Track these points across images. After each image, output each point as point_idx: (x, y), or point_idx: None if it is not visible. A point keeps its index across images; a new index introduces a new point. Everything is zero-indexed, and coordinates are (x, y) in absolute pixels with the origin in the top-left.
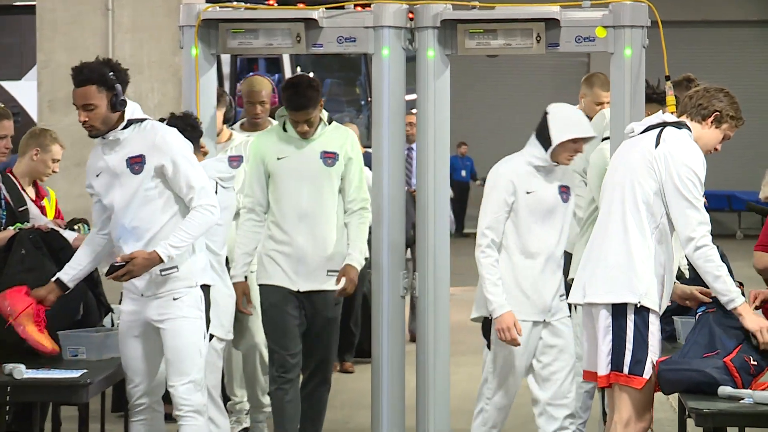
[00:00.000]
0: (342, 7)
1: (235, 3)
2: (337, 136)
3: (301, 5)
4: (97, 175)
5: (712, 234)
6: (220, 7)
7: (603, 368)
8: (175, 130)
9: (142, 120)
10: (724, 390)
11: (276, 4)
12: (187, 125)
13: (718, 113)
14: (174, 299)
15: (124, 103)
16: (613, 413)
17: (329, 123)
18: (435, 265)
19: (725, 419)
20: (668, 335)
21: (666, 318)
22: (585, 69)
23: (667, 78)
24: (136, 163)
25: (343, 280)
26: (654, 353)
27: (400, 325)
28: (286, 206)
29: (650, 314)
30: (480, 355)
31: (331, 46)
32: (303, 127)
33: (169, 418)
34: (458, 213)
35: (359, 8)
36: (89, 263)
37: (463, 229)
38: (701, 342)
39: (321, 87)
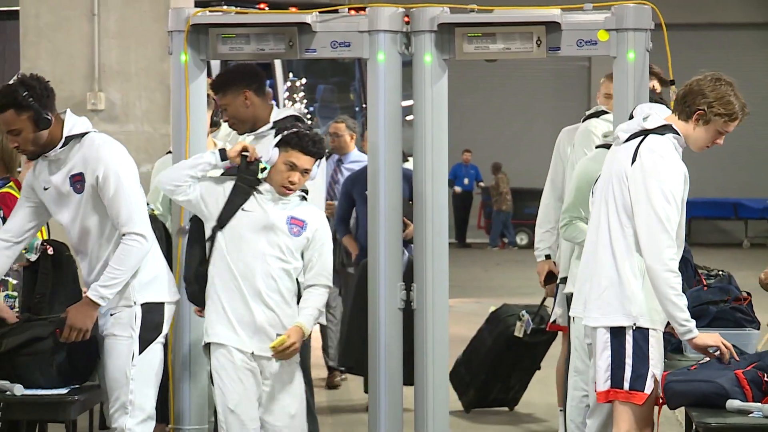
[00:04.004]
0: (336, 11)
1: (225, 7)
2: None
3: (293, 9)
4: (45, 189)
5: (719, 243)
6: (210, 11)
7: (601, 384)
8: (114, 144)
9: (83, 135)
10: (733, 404)
11: (267, 9)
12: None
13: (701, 111)
14: (111, 315)
15: (47, 122)
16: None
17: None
18: (434, 276)
19: None
20: (674, 347)
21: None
22: (586, 73)
23: (672, 82)
24: (77, 182)
25: None
26: (656, 367)
27: (398, 337)
28: None
29: (650, 330)
30: None
31: (325, 51)
32: None
33: None
34: (460, 223)
35: (353, 12)
36: None
37: (465, 240)
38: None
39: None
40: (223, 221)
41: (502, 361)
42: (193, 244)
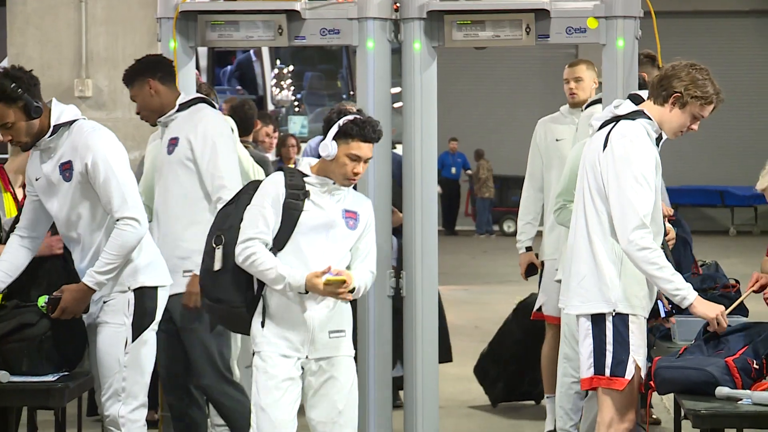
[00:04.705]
0: None
1: None
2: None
3: None
4: (37, 179)
5: (705, 231)
6: None
7: (584, 371)
8: (103, 131)
9: (72, 122)
10: (722, 390)
11: None
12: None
13: (678, 94)
14: (104, 302)
15: (38, 110)
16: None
17: (186, 107)
18: (423, 264)
19: (723, 421)
20: (663, 334)
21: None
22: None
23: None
24: (66, 170)
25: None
26: (637, 353)
27: (387, 325)
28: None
29: (630, 315)
30: (467, 356)
31: (314, 39)
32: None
33: (151, 425)
34: (448, 211)
35: (342, 0)
36: (17, 273)
37: (454, 228)
38: (708, 341)
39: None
40: (280, 243)
41: (533, 352)
42: (241, 268)
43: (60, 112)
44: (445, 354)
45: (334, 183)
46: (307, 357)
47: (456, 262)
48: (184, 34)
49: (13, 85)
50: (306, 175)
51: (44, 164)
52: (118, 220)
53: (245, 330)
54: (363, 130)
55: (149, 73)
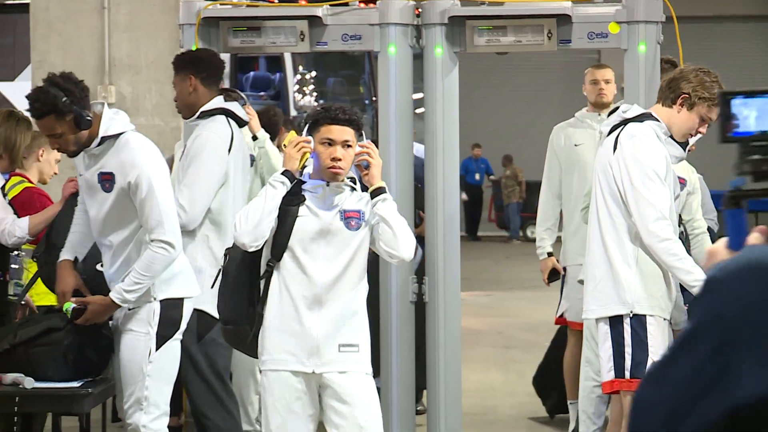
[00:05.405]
0: (346, 4)
1: (236, 0)
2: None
3: (303, 2)
4: (80, 175)
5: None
6: (221, 4)
7: (605, 374)
8: (149, 148)
9: (119, 134)
10: None
11: (278, 1)
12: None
13: (686, 95)
14: (129, 309)
15: (88, 123)
16: (620, 418)
17: (207, 116)
18: (445, 269)
19: None
20: None
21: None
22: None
23: None
24: (106, 180)
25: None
26: (656, 354)
27: (410, 331)
28: None
29: (647, 316)
30: (489, 363)
31: (336, 44)
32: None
33: (174, 430)
34: (472, 217)
35: (363, 5)
36: (89, 242)
37: (477, 233)
38: None
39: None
40: (278, 253)
41: None
42: (240, 285)
43: (109, 123)
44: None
45: (327, 185)
46: (314, 372)
47: (479, 267)
48: (206, 40)
49: (65, 98)
50: (303, 182)
51: (87, 168)
52: (152, 241)
53: (256, 351)
54: (329, 112)
55: (193, 69)
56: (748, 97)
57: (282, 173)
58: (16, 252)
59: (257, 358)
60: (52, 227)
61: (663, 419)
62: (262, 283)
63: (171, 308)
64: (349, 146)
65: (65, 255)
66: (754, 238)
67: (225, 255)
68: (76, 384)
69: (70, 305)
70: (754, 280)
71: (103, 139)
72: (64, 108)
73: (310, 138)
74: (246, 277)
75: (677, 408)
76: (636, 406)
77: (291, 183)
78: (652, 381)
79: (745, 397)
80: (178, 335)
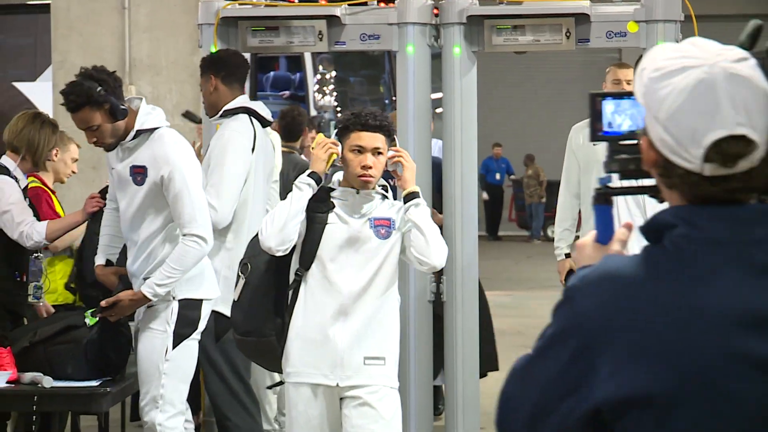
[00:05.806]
0: (365, 4)
1: (255, 0)
2: (222, 127)
3: (322, 2)
4: (112, 169)
5: None
6: (240, 4)
7: None
8: (182, 144)
9: (154, 129)
10: None
11: (297, 1)
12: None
13: None
14: (148, 307)
15: (124, 113)
16: None
17: (229, 115)
18: (463, 269)
19: None
20: None
21: None
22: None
23: None
24: (138, 174)
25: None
26: None
27: (428, 329)
28: None
29: None
30: (510, 362)
31: (354, 44)
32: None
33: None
34: (492, 217)
35: (383, 4)
36: (119, 242)
37: (497, 233)
38: None
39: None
40: (306, 262)
41: None
42: (264, 295)
43: (145, 118)
44: (491, 363)
45: (357, 192)
46: (338, 384)
47: (499, 267)
48: (225, 40)
49: (99, 88)
50: (332, 189)
51: (120, 161)
52: (185, 236)
53: (278, 365)
54: (359, 118)
55: (213, 69)
56: (617, 99)
57: (308, 175)
58: (35, 254)
59: (274, 371)
60: (82, 257)
61: (529, 417)
62: (290, 293)
63: (189, 308)
64: (379, 153)
65: (99, 260)
66: (620, 232)
67: (245, 264)
68: (94, 383)
69: (94, 320)
70: (611, 289)
71: (138, 132)
72: (99, 98)
73: (336, 141)
74: (271, 287)
75: (542, 406)
76: (503, 401)
77: (318, 185)
78: (519, 378)
79: (604, 398)
80: (196, 335)
